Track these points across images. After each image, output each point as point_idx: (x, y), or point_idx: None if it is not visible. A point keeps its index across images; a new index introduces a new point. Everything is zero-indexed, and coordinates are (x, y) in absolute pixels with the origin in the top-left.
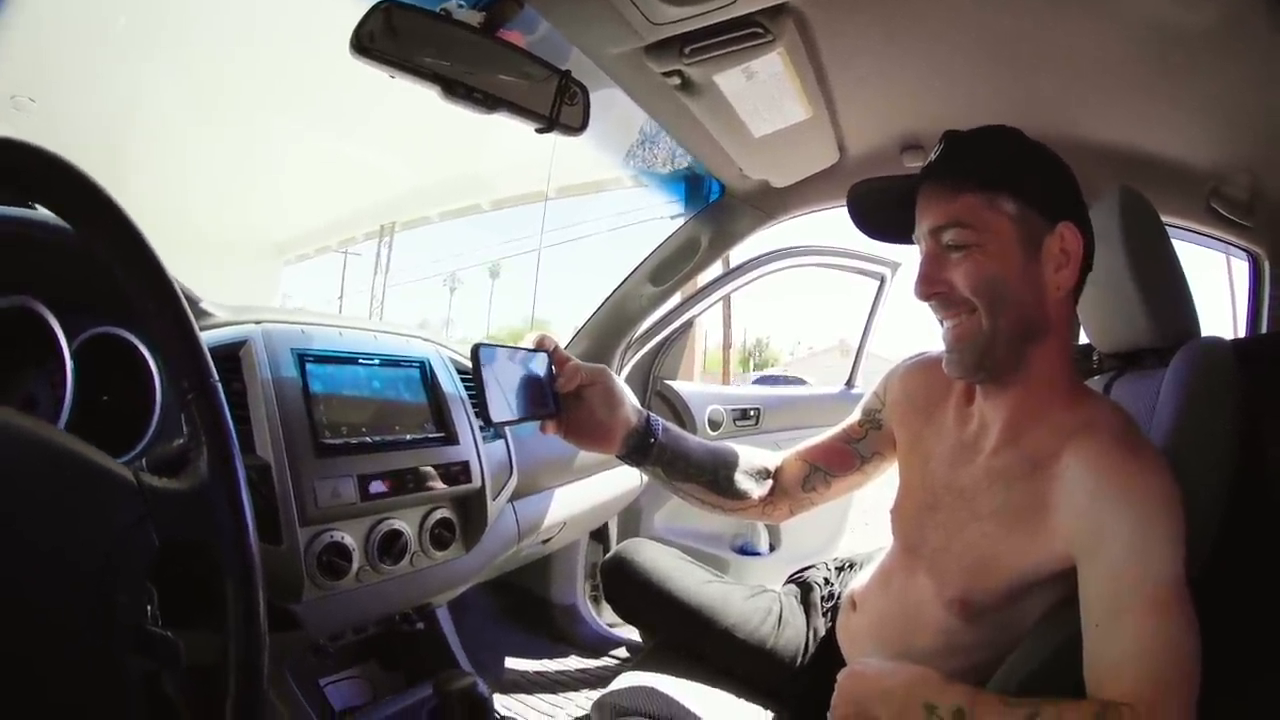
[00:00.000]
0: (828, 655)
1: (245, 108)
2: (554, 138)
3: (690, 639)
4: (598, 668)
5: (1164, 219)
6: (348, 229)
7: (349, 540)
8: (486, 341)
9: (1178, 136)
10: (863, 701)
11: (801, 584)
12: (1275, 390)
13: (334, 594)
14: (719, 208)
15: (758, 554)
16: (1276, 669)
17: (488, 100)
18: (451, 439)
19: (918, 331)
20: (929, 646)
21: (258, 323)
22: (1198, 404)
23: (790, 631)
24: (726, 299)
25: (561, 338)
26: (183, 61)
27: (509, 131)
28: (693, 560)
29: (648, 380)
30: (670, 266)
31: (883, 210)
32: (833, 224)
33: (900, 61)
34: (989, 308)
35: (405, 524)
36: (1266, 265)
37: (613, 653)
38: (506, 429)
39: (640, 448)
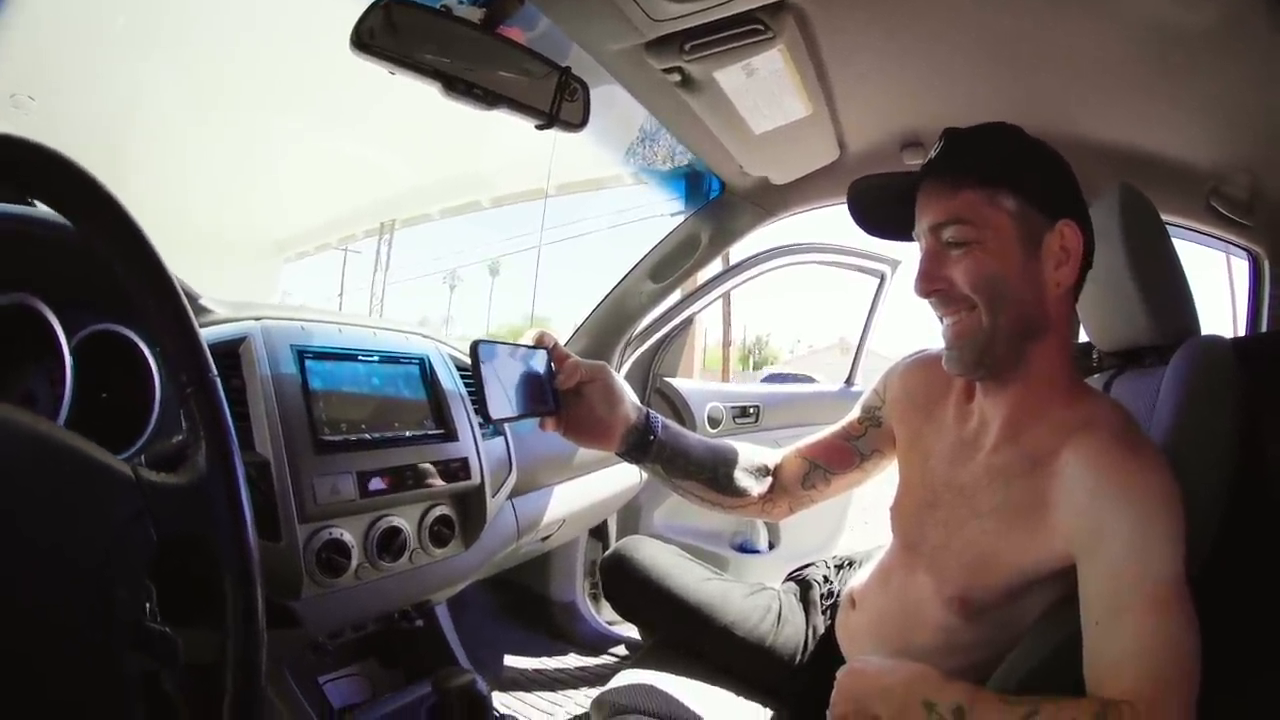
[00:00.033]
0: (827, 653)
1: (245, 107)
2: (554, 135)
3: (689, 636)
4: (597, 665)
5: (1164, 218)
6: (348, 226)
7: (348, 537)
8: (486, 338)
9: (1178, 136)
10: (862, 699)
11: (801, 582)
12: (1275, 389)
13: (333, 591)
14: (719, 205)
15: (757, 552)
16: (1276, 667)
17: (488, 96)
18: (451, 436)
19: (917, 330)
20: (928, 644)
21: (257, 319)
22: (1198, 402)
23: (789, 629)
24: (726, 296)
25: (561, 335)
26: (183, 61)
27: (509, 129)
28: (692, 558)
29: (647, 377)
30: (670, 263)
31: (883, 207)
32: (832, 222)
33: (900, 59)
34: (989, 305)
35: (404, 521)
36: (1266, 264)
37: (612, 650)
38: (506, 426)
39: (640, 445)
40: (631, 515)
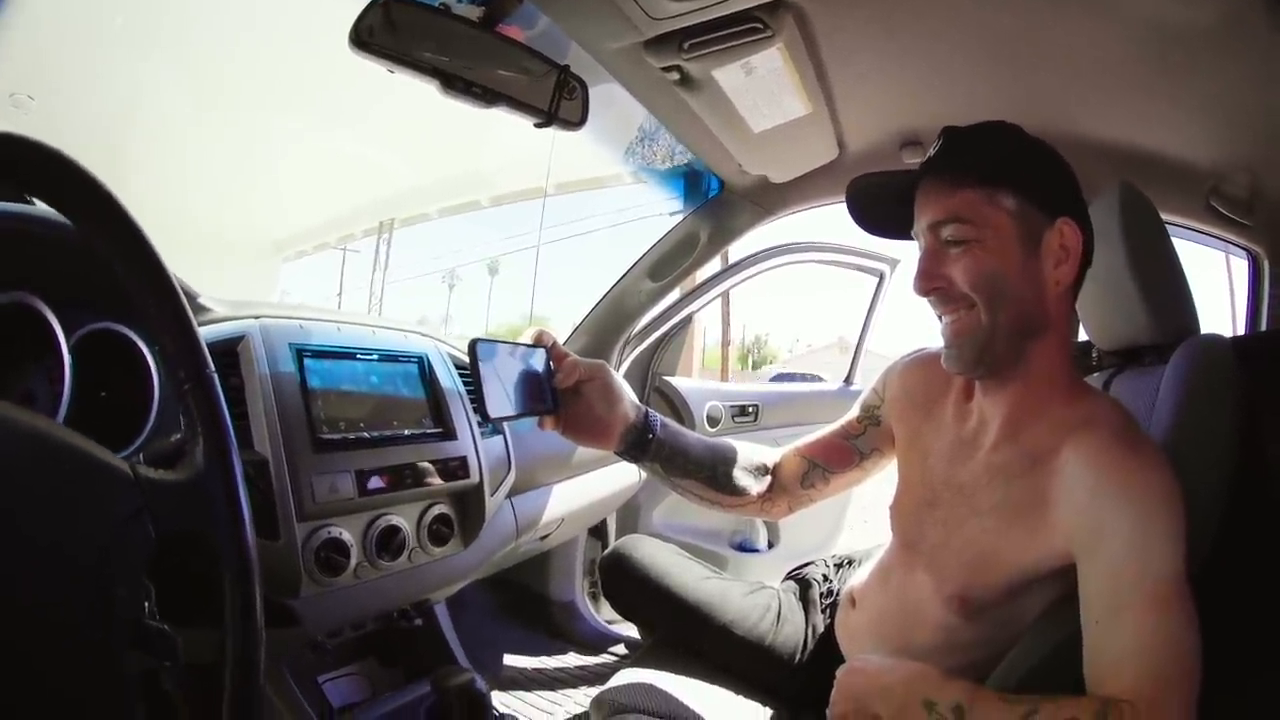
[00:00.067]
0: (826, 652)
1: (245, 107)
2: (553, 134)
3: (689, 635)
4: (596, 664)
5: (1163, 217)
6: (347, 226)
7: (347, 536)
8: (484, 337)
9: (1177, 135)
10: (862, 698)
11: (800, 581)
12: (1275, 387)
13: (332, 590)
14: (718, 203)
15: (756, 550)
16: (1276, 666)
17: (486, 95)
18: (449, 434)
19: (917, 328)
20: (928, 643)
21: (256, 318)
22: (1197, 401)
23: (789, 628)
24: (725, 295)
25: (560, 333)
26: (183, 61)
27: (509, 128)
28: (691, 556)
29: (646, 376)
30: (669, 262)
31: (882, 205)
32: (831, 221)
33: (900, 58)
34: (988, 303)
35: (403, 520)
36: (1266, 264)
37: (611, 649)
38: (504, 425)
39: (639, 444)
40: (630, 514)
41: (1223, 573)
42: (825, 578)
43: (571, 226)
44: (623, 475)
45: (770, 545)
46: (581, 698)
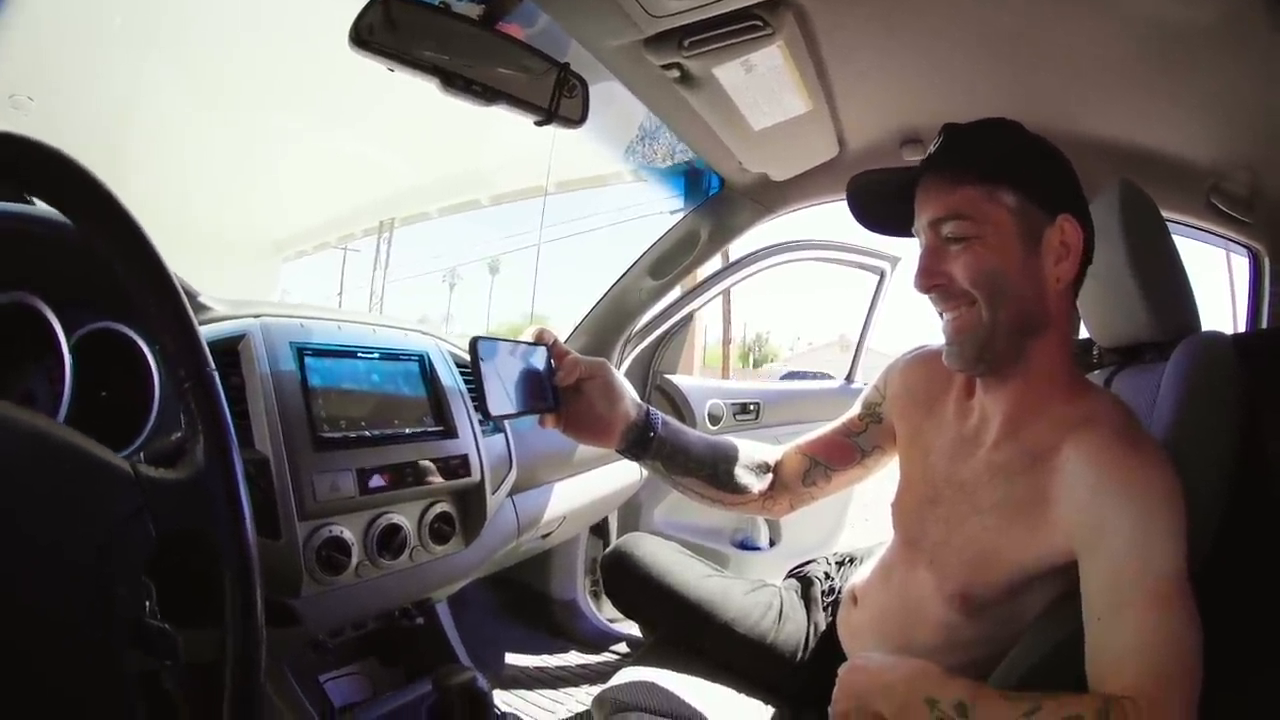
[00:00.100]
0: (828, 650)
1: (245, 106)
2: (553, 132)
3: (690, 634)
4: (598, 663)
5: (1164, 214)
6: (347, 225)
7: (348, 535)
8: (485, 335)
9: (1178, 133)
10: (864, 696)
11: (802, 579)
12: (1276, 385)
13: (333, 589)
14: (718, 201)
15: (758, 549)
16: (1277, 664)
17: (486, 93)
18: (450, 433)
19: (917, 327)
20: (930, 641)
21: (256, 317)
22: (1198, 398)
23: (791, 626)
24: (726, 294)
25: (561, 332)
26: (183, 60)
27: (509, 126)
28: (692, 555)
29: (647, 374)
30: (670, 260)
31: (882, 202)
32: (832, 219)
33: (900, 56)
34: (989, 300)
35: (404, 518)
36: (1266, 261)
37: (613, 648)
38: (505, 423)
39: (640, 442)
40: (632, 512)
41: (1223, 570)
42: (827, 575)
43: (572, 225)
44: (624, 473)
45: (772, 543)
46: (583, 696)
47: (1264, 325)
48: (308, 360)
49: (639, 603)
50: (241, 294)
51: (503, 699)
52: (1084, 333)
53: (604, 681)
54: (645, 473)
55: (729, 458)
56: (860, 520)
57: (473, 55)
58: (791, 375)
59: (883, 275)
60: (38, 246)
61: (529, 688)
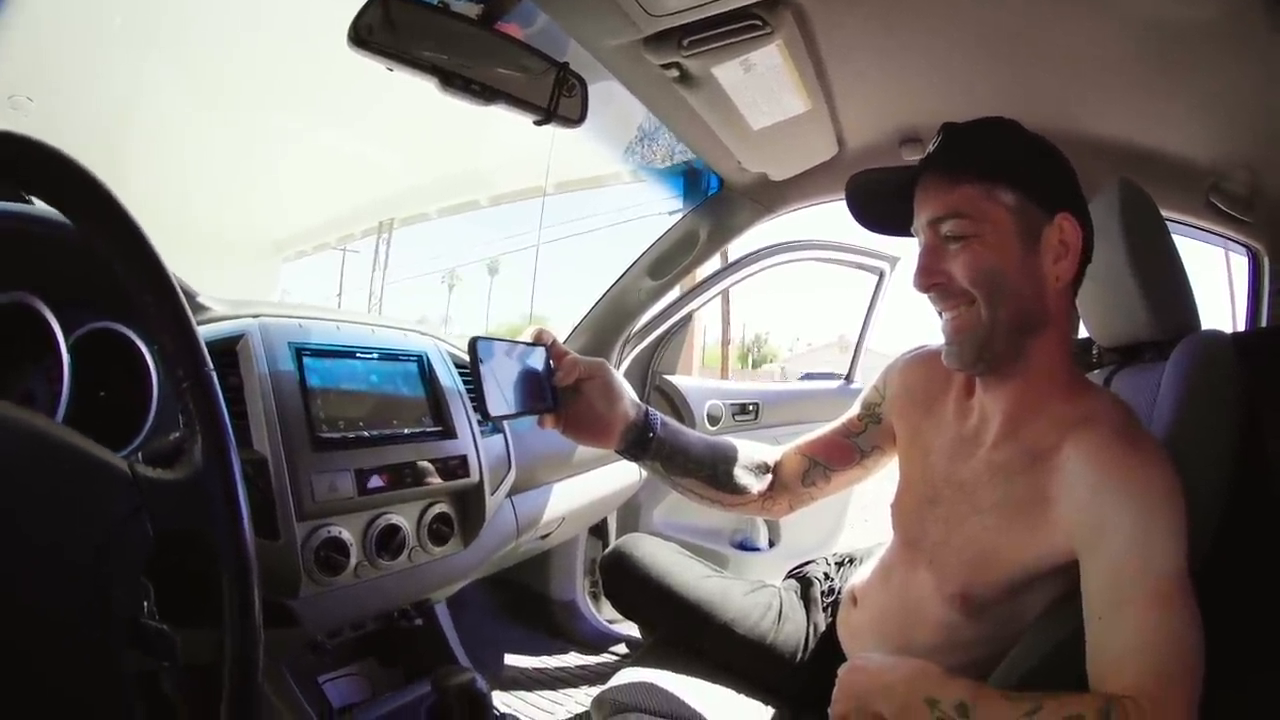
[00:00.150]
0: (828, 650)
1: (245, 106)
2: (552, 132)
3: (690, 634)
4: (597, 664)
5: (1163, 214)
6: (346, 226)
7: (346, 535)
8: (484, 336)
9: (1177, 132)
10: (864, 696)
11: (801, 579)
12: (1275, 384)
13: (332, 590)
14: (717, 201)
15: (757, 549)
16: (1277, 663)
17: (485, 92)
18: (449, 433)
19: (917, 327)
20: (930, 642)
21: (255, 317)
22: (1198, 397)
23: (790, 627)
24: (725, 294)
25: (560, 333)
26: (182, 60)
27: (508, 126)
28: (692, 555)
29: (646, 375)
30: (669, 260)
31: (881, 202)
32: (831, 219)
33: (899, 56)
34: (988, 299)
35: (403, 519)
36: (1266, 260)
37: (612, 649)
38: (504, 423)
39: (639, 442)
40: (631, 513)
41: (1223, 569)
42: (826, 576)
43: (571, 226)
44: (623, 474)
45: (771, 544)
46: (582, 697)
47: (1263, 324)
48: (306, 360)
49: (638, 603)
50: (241, 294)
51: (502, 700)
52: (1083, 332)
53: (603, 682)
54: (644, 473)
55: (728, 458)
56: (860, 520)
57: (471, 55)
58: (808, 376)
59: (882, 275)
60: (37, 246)
61: (528, 689)
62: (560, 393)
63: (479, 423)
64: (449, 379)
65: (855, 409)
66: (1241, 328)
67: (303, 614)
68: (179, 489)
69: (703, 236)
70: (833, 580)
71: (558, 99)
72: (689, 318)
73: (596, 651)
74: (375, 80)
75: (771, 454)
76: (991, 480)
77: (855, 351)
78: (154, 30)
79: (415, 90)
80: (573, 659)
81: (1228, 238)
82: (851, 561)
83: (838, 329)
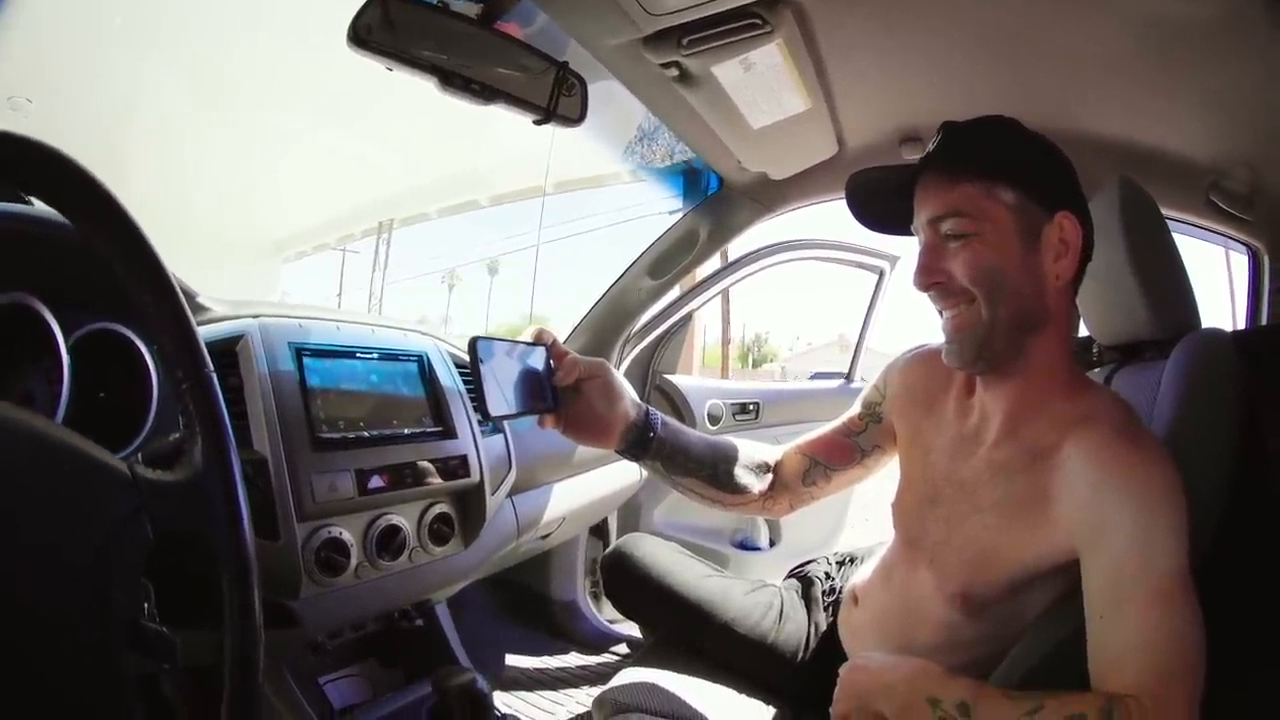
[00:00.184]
0: (829, 650)
1: (244, 106)
2: (552, 131)
3: (690, 634)
4: (598, 664)
5: (1164, 212)
6: (346, 226)
7: (347, 536)
8: (484, 335)
9: (1177, 130)
10: (865, 696)
11: (802, 579)
12: (1276, 382)
13: (332, 590)
14: (717, 200)
15: (758, 549)
16: (1277, 661)
17: (485, 91)
18: (450, 433)
19: (917, 326)
20: (931, 641)
21: (255, 317)
22: (1198, 396)
23: (791, 626)
24: (725, 294)
25: (560, 332)
26: (182, 61)
27: (507, 126)
28: (692, 555)
29: (647, 374)
30: (669, 260)
31: (881, 201)
32: (831, 218)
33: (899, 55)
34: (988, 297)
35: (403, 519)
36: (1266, 259)
37: (613, 649)
38: (505, 423)
39: (639, 442)
40: (632, 513)
41: (1224, 567)
42: (827, 575)
43: (571, 226)
44: (623, 474)
45: (772, 543)
46: (583, 697)
47: (1263, 322)
48: (306, 361)
49: (639, 603)
50: (241, 294)
51: (503, 700)
52: (1084, 331)
53: (604, 682)
54: (645, 473)
55: (729, 458)
56: (860, 520)
57: (471, 54)
58: (818, 375)
59: (882, 274)
60: (36, 247)
61: (529, 689)
62: (560, 392)
63: (479, 423)
64: (449, 379)
65: (856, 408)
66: (1242, 326)
67: (303, 615)
68: (179, 490)
69: (703, 236)
70: (833, 580)
71: (557, 98)
72: (689, 317)
73: (597, 651)
74: (375, 80)
75: (772, 453)
76: (992, 479)
77: (855, 351)
78: (154, 30)
79: (415, 90)
80: (573, 659)
81: (1228, 236)
82: (852, 561)
83: (838, 328)
